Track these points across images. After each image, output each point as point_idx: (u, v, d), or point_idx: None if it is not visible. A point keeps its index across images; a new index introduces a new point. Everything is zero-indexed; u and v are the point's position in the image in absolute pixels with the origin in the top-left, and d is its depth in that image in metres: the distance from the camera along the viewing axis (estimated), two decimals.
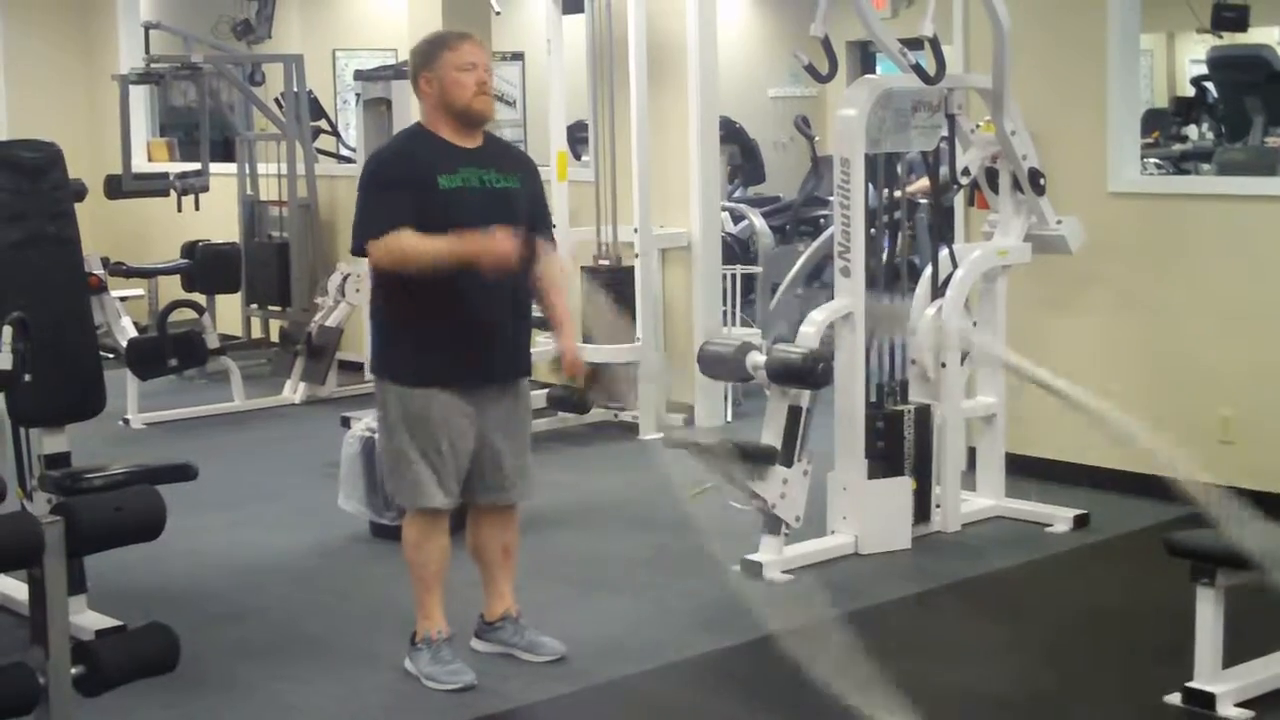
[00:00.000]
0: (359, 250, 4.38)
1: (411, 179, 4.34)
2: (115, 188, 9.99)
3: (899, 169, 6.24)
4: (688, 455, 5.65)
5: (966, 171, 6.10)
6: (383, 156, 4.56)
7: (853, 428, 5.71)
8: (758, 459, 5.44)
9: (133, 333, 8.37)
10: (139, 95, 10.91)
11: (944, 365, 5.90)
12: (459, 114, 4.40)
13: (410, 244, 4.26)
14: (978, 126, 6.16)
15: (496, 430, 4.47)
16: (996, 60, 5.84)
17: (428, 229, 4.28)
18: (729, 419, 8.03)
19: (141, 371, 8.05)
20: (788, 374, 5.45)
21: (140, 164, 10.63)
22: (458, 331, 4.36)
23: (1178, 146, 10.98)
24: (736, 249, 9.62)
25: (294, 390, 8.83)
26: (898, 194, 6.20)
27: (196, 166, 9.94)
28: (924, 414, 5.85)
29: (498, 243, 4.19)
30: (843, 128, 5.66)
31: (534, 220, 4.53)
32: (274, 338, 9.76)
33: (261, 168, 9.94)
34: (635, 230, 7.76)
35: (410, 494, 4.48)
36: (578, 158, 8.83)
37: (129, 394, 8.15)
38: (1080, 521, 6.01)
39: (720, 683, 4.64)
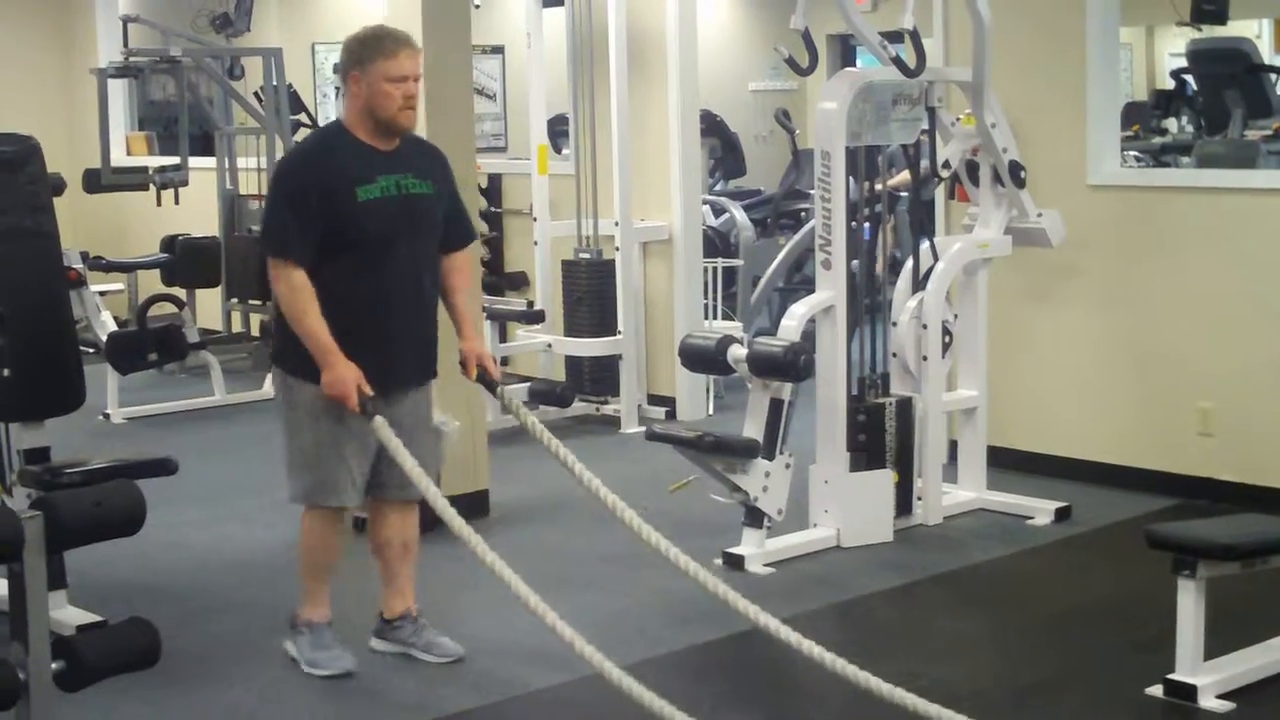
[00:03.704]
0: (265, 254, 4.45)
1: (324, 189, 4.35)
2: (94, 182, 9.94)
3: (880, 162, 6.24)
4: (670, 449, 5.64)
5: (947, 164, 6.11)
6: (298, 160, 4.58)
7: (834, 421, 5.71)
8: (739, 452, 5.45)
9: (112, 327, 8.33)
10: (117, 89, 10.87)
11: (925, 358, 5.90)
12: (382, 125, 4.42)
13: (304, 309, 4.36)
14: (958, 120, 6.17)
15: (407, 430, 4.42)
16: (976, 53, 5.85)
17: (341, 237, 4.34)
18: (711, 412, 8.03)
19: (121, 366, 8.02)
20: (769, 367, 5.46)
21: (119, 158, 10.57)
22: (372, 335, 4.38)
23: (1157, 139, 10.97)
24: (717, 242, 9.61)
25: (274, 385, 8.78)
26: (879, 187, 6.21)
27: (176, 160, 9.89)
28: (905, 407, 5.85)
29: (352, 387, 4.27)
30: (823, 121, 5.66)
31: (450, 220, 4.60)
32: (254, 332, 9.72)
33: (241, 161, 9.89)
34: (616, 224, 7.76)
35: (321, 491, 4.49)
36: (558, 151, 8.82)
37: (109, 388, 8.12)
38: (1062, 514, 6.01)
39: (702, 676, 4.64)
